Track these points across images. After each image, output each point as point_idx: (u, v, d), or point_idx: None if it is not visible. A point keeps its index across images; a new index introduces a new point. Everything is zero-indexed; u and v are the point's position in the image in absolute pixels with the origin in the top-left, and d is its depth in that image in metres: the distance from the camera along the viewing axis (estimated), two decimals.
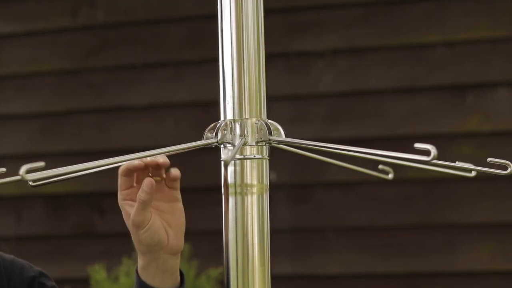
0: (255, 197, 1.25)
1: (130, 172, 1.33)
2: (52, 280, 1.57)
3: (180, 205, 1.35)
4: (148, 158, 1.30)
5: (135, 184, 1.34)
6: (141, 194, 1.30)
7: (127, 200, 1.35)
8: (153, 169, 1.33)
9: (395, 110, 3.62)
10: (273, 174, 3.67)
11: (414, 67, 3.61)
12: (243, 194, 1.25)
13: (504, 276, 3.51)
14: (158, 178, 1.33)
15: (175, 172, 1.33)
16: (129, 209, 1.33)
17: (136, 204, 1.31)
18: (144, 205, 1.30)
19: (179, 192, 1.35)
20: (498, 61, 3.53)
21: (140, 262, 1.37)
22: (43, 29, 4.10)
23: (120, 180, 1.35)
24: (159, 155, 1.30)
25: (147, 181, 1.29)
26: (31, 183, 1.11)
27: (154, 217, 1.32)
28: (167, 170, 1.35)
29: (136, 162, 1.31)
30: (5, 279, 1.53)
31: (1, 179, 1.23)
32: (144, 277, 1.37)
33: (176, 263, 1.37)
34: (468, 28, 3.58)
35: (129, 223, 1.33)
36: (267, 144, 1.27)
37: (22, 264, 1.57)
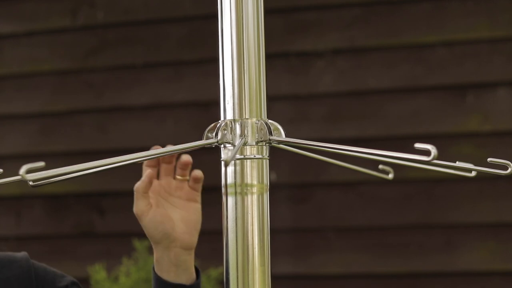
0: (255, 197, 1.25)
1: (153, 167, 1.38)
2: None
3: (197, 206, 1.41)
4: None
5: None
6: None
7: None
8: (179, 167, 1.37)
9: (395, 110, 3.62)
10: (273, 174, 3.67)
11: (414, 67, 3.61)
12: (243, 194, 1.25)
13: (504, 276, 3.51)
14: (181, 178, 1.39)
15: (197, 173, 1.37)
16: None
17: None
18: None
19: (199, 195, 1.41)
20: (498, 61, 3.53)
21: (155, 254, 1.41)
22: (43, 29, 4.10)
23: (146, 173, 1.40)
24: (184, 154, 1.36)
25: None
26: (31, 183, 1.11)
27: (158, 209, 1.37)
28: (191, 170, 1.39)
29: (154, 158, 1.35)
30: (35, 287, 1.53)
31: (1, 179, 1.23)
32: (159, 270, 1.41)
33: (189, 259, 1.41)
34: (467, 28, 3.58)
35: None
36: (267, 144, 1.27)
37: (54, 273, 1.58)
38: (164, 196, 1.38)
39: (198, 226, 1.40)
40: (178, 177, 1.38)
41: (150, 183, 1.36)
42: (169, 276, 1.40)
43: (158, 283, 1.41)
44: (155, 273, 1.41)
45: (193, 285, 1.41)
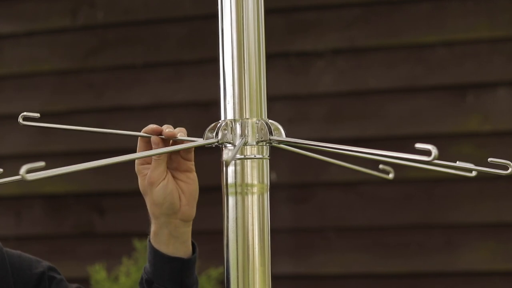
0: (255, 197, 1.25)
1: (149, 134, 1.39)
2: (60, 273, 1.59)
3: (193, 175, 1.40)
4: (167, 130, 1.36)
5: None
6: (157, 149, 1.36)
7: (144, 164, 1.39)
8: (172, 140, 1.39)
9: (395, 110, 3.62)
10: (273, 174, 3.67)
11: (414, 67, 3.61)
12: (244, 194, 1.25)
13: (504, 276, 3.51)
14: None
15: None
16: (145, 172, 1.38)
17: (152, 162, 1.36)
18: (158, 161, 1.35)
19: (193, 163, 1.40)
20: (498, 61, 3.53)
21: (153, 228, 1.41)
22: (43, 29, 4.10)
23: (139, 145, 1.40)
24: (178, 129, 1.36)
25: (153, 138, 1.35)
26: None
27: (170, 179, 1.37)
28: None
29: (154, 125, 1.36)
30: (11, 275, 1.53)
31: (1, 179, 1.23)
32: (157, 244, 1.41)
33: (187, 231, 1.41)
34: (467, 28, 3.57)
35: (145, 184, 1.38)
36: (267, 144, 1.27)
37: (30, 260, 1.58)
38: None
39: (196, 196, 1.40)
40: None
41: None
42: (167, 249, 1.40)
43: (155, 256, 1.41)
44: (152, 246, 1.41)
45: (190, 259, 1.41)
